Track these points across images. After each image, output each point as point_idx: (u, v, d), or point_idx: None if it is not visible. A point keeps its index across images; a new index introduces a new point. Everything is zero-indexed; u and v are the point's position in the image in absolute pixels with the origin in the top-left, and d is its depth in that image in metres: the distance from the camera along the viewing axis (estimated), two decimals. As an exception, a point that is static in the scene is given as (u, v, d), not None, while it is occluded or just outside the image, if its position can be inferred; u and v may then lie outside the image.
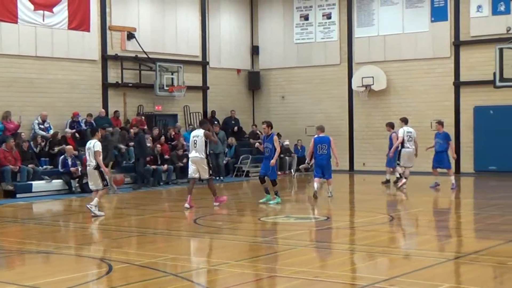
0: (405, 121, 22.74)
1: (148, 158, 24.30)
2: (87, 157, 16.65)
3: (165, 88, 28.01)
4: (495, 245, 11.97)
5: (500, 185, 23.57)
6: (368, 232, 14.07)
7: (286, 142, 29.94)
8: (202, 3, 30.45)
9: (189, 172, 18.11)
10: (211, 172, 18.13)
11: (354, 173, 29.06)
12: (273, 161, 18.29)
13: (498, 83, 25.73)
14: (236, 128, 30.42)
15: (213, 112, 30.25)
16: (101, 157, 16.45)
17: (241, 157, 28.62)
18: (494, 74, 25.73)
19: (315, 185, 19.66)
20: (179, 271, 10.19)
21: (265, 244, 12.71)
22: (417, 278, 9.50)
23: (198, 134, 17.91)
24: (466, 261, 10.78)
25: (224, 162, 27.90)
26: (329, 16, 30.92)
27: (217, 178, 24.79)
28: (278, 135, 30.03)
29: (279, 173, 28.57)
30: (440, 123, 23.07)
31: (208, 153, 17.99)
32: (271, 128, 18.68)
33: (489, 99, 27.17)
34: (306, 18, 31.49)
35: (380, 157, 27.42)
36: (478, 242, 12.90)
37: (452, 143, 22.88)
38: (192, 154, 17.96)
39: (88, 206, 16.39)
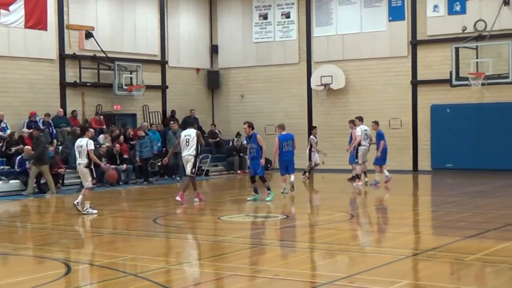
0: (361, 119, 22.93)
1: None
2: (77, 156, 16.79)
3: (124, 87, 27.83)
4: (452, 241, 12.10)
5: (457, 182, 23.85)
6: (328, 230, 14.13)
7: (245, 141, 29.90)
8: (161, 2, 30.31)
9: (186, 170, 18.72)
10: (193, 171, 18.50)
11: (313, 172, 29.12)
12: (262, 161, 18.56)
13: (454, 82, 26.05)
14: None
15: (172, 112, 30.12)
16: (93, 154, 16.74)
17: (200, 156, 28.46)
18: (451, 73, 26.05)
19: (287, 183, 20.07)
20: (139, 271, 10.13)
21: (225, 243, 12.69)
22: (376, 275, 9.57)
23: (190, 133, 18.58)
24: (424, 258, 10.88)
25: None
26: (288, 15, 30.99)
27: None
28: (238, 134, 30.15)
29: (239, 172, 28.68)
30: (376, 122, 23.09)
31: (198, 152, 18.58)
32: (252, 128, 18.88)
33: (445, 98, 27.47)
34: (265, 17, 31.51)
35: (339, 155, 27.56)
36: (435, 239, 13.04)
37: (383, 142, 22.80)
38: (185, 153, 18.56)
39: (84, 211, 16.55)
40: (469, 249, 11.32)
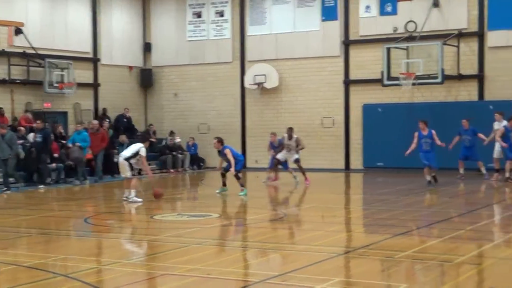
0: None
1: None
2: (124, 151, 18.81)
3: (55, 85, 27.38)
4: (383, 239, 12.27)
5: (388, 181, 24.20)
6: (261, 229, 14.18)
7: (178, 140, 29.86)
8: (93, -2, 29.98)
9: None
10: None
11: (247, 171, 29.18)
12: (232, 170, 19.50)
13: (385, 82, 26.43)
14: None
15: (104, 110, 29.81)
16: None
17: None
18: (382, 73, 26.41)
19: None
20: (70, 272, 9.99)
21: (158, 242, 12.62)
22: (308, 273, 9.64)
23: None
24: (355, 256, 11.01)
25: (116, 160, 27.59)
26: (221, 14, 30.96)
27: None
28: (171, 133, 30.03)
29: (172, 170, 28.55)
30: (290, 129, 23.23)
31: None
32: (222, 143, 19.88)
33: (377, 97, 27.85)
34: (198, 15, 31.42)
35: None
36: (367, 237, 13.21)
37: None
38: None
39: (124, 197, 18.24)
40: (399, 246, 11.49)
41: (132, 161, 18.33)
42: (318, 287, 8.83)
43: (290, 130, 23.05)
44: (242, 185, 19.83)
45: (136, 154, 18.26)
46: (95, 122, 26.14)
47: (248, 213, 17.38)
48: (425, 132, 21.26)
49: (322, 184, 23.57)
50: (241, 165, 20.29)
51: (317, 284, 8.95)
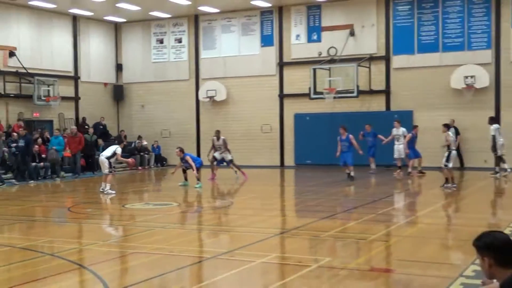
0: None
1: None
2: (105, 151, 18.68)
3: (42, 98, 26.96)
4: (311, 222, 12.38)
5: (314, 175, 24.35)
6: (213, 215, 14.18)
7: (145, 143, 29.63)
8: (74, 27, 29.51)
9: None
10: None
11: (200, 168, 29.03)
12: (195, 173, 19.69)
13: (312, 96, 26.63)
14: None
15: (84, 118, 29.39)
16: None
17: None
18: (309, 88, 26.62)
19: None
20: (55, 251, 9.85)
21: (128, 227, 12.52)
22: (251, 250, 9.69)
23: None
24: (289, 235, 11.09)
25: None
26: (180, 40, 30.81)
27: None
28: (139, 137, 29.76)
29: (140, 168, 28.31)
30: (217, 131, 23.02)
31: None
32: (183, 152, 20.06)
33: (305, 108, 28.02)
34: (161, 41, 31.21)
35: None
36: (298, 220, 13.31)
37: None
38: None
39: (101, 189, 18.11)
40: (324, 227, 11.61)
41: (112, 159, 18.37)
42: (259, 261, 8.88)
43: (217, 133, 22.62)
44: (198, 179, 19.78)
45: (115, 153, 18.38)
46: (74, 127, 25.96)
47: (203, 202, 17.35)
48: (343, 136, 21.44)
49: (262, 178, 23.65)
50: (199, 165, 20.43)
51: (258, 259, 9.00)
